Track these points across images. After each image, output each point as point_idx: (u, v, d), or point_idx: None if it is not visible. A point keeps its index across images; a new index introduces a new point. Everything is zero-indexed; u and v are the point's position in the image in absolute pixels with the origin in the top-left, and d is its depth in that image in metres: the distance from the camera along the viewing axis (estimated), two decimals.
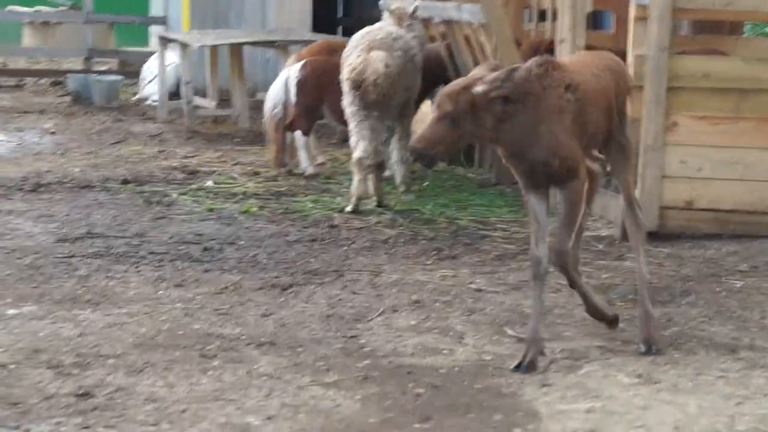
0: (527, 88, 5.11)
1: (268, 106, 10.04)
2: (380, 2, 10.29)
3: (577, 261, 5.75)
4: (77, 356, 5.35)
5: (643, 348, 5.50)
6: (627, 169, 5.69)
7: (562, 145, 5.17)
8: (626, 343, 5.71)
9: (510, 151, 5.27)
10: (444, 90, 5.29)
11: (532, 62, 5.25)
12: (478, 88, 5.04)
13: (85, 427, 4.55)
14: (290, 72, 9.85)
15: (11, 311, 6.05)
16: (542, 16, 10.20)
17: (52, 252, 7.28)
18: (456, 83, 5.25)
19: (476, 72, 5.31)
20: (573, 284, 5.64)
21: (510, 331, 5.86)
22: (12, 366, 5.21)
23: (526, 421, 4.74)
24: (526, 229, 8.09)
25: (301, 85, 9.64)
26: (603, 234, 8.06)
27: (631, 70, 7.81)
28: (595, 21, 11.53)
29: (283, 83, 9.89)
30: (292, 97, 9.70)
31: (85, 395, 4.87)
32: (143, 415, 4.69)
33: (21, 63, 19.21)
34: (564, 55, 8.62)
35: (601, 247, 7.73)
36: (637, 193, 7.82)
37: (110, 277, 6.75)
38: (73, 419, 4.62)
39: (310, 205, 8.79)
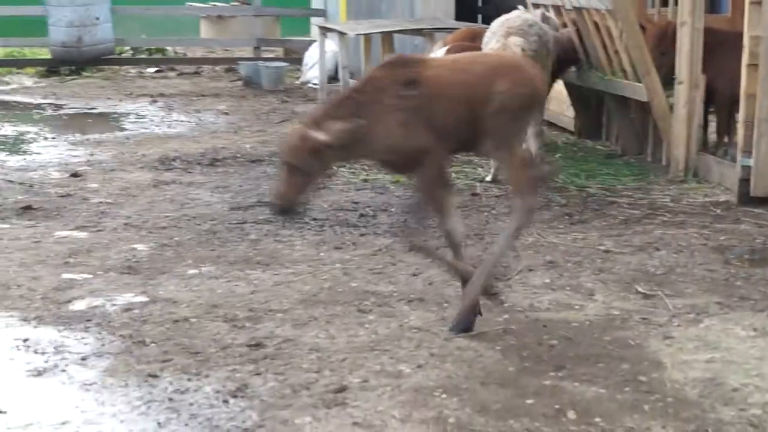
0: (362, 101, 4.86)
1: None
2: None
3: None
4: (249, 311, 5.44)
5: (450, 325, 5.12)
6: (511, 164, 5.11)
7: (400, 138, 4.87)
8: (743, 299, 5.60)
9: (367, 155, 5.07)
10: (285, 143, 4.95)
11: (385, 67, 5.05)
12: (321, 137, 4.73)
13: (257, 374, 4.62)
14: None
15: (192, 271, 6.16)
16: (664, 1, 9.96)
17: (227, 219, 7.38)
18: (294, 133, 4.91)
19: (315, 111, 5.02)
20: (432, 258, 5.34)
21: (639, 288, 5.78)
22: (193, 319, 5.32)
23: (651, 370, 4.67)
24: (649, 196, 7.99)
25: None
26: (720, 200, 7.87)
27: (746, 51, 7.64)
28: (712, 4, 11.25)
29: None
30: None
31: (257, 345, 4.95)
32: (307, 363, 4.75)
33: (199, 53, 19.54)
34: (684, 38, 8.45)
35: (718, 211, 7.55)
36: (752, 161, 7.67)
37: (278, 240, 6.83)
38: (246, 366, 4.70)
39: (454, 176, 8.74)
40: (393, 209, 7.65)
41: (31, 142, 10.68)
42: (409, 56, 5.25)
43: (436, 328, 5.17)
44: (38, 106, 13.54)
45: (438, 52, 9.85)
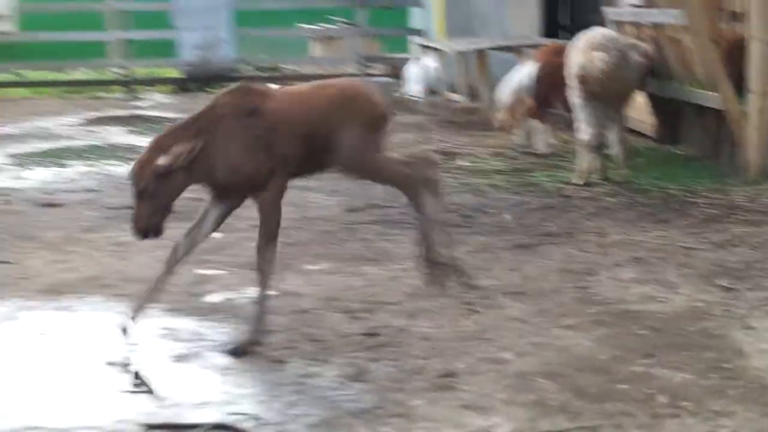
0: (205, 128, 4.62)
1: (505, 97, 10.02)
2: (603, 8, 10.12)
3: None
4: (364, 303, 5.46)
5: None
6: (384, 178, 5.13)
7: (241, 163, 4.64)
8: None
9: (208, 182, 4.75)
10: (132, 169, 4.62)
11: (227, 94, 4.78)
12: (162, 162, 4.50)
13: (374, 360, 4.64)
14: (526, 71, 9.77)
15: (311, 267, 6.22)
16: (734, 17, 9.77)
17: (341, 220, 7.43)
18: (138, 160, 4.62)
19: (160, 136, 4.69)
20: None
21: (720, 282, 5.69)
22: (314, 311, 5.36)
23: (733, 358, 4.59)
24: (726, 197, 7.84)
25: (538, 81, 9.55)
26: None
27: None
28: None
29: (520, 79, 9.83)
30: (530, 91, 9.62)
31: (372, 334, 4.97)
32: (418, 350, 4.76)
33: (310, 69, 19.68)
34: (753, 51, 8.28)
35: None
36: None
37: (387, 239, 6.84)
38: (364, 353, 4.73)
39: (545, 179, 8.68)
40: (491, 210, 7.63)
41: None
42: (254, 86, 4.96)
43: (534, 318, 5.15)
44: (171, 119, 13.80)
45: (528, 68, 9.81)
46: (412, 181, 5.11)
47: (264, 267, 4.81)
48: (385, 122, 5.03)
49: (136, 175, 4.59)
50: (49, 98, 16.78)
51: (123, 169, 9.61)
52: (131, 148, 11.11)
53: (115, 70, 18.34)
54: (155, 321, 5.16)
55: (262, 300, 4.83)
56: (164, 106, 15.34)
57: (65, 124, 13.33)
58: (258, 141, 4.69)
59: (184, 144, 4.56)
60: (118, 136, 12.20)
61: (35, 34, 18.00)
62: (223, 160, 4.66)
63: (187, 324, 5.17)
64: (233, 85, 4.90)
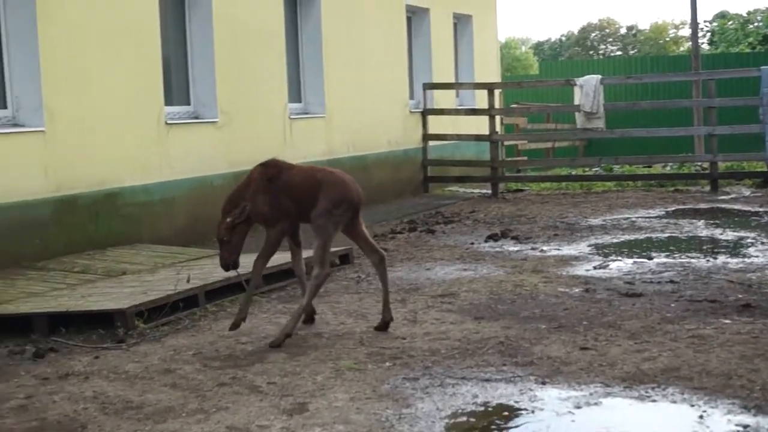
0: (244, 188, 7.18)
1: None
2: None
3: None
4: None
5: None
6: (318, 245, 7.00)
7: (260, 210, 7.05)
8: None
9: (255, 222, 7.15)
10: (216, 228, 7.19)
11: (259, 166, 7.23)
12: (228, 220, 7.02)
13: None
14: None
15: None
16: None
17: None
18: (218, 223, 7.15)
19: (225, 203, 7.21)
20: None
21: None
22: None
23: None
24: None
25: None
26: None
27: None
28: None
29: None
30: None
31: None
32: None
33: None
34: None
35: None
36: None
37: None
38: None
39: None
40: None
41: (749, 246, 10.72)
42: (279, 162, 7.25)
43: None
44: (755, 213, 13.56)
45: None
46: (326, 260, 6.98)
47: (255, 275, 7.22)
48: (350, 205, 7.02)
49: (218, 232, 7.07)
50: (632, 191, 17.31)
51: (704, 262, 9.64)
52: (712, 241, 11.12)
53: (699, 164, 18.48)
54: (731, 417, 5.10)
55: (247, 297, 7.25)
56: (747, 200, 15.13)
57: (647, 216, 13.68)
58: (275, 197, 7.02)
59: (237, 208, 6.98)
60: (700, 229, 12.26)
61: (628, 132, 18.72)
62: (253, 207, 7.00)
63: (765, 422, 5.04)
64: (265, 162, 7.21)
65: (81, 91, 10.37)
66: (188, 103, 12.72)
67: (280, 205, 7.05)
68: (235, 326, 7.13)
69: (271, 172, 7.13)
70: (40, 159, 9.81)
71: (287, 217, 7.11)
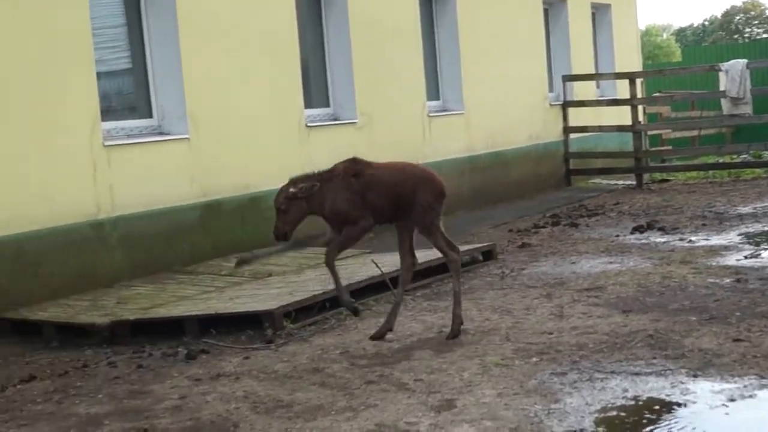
0: (324, 178, 6.93)
1: None
2: None
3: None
4: None
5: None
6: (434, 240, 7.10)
7: (338, 207, 6.91)
8: None
9: (320, 213, 6.97)
10: (276, 194, 6.98)
11: (343, 162, 7.08)
12: (292, 190, 6.87)
13: None
14: None
15: None
16: None
17: None
18: (280, 188, 6.98)
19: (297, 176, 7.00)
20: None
21: None
22: None
23: None
24: None
25: None
26: None
27: None
28: None
29: None
30: None
31: None
32: None
33: None
34: None
35: None
36: None
37: None
38: None
39: None
40: None
41: None
42: (361, 160, 7.10)
43: None
44: None
45: None
46: (451, 244, 7.08)
47: (329, 268, 7.00)
48: (441, 199, 7.06)
49: (276, 198, 6.94)
50: None
51: None
52: None
53: None
54: None
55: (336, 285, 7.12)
56: None
57: None
58: (358, 194, 6.90)
59: (307, 183, 6.88)
60: None
61: None
62: (330, 203, 6.90)
63: None
64: (349, 158, 7.11)
65: (222, 98, 10.62)
66: (327, 105, 12.88)
67: (363, 202, 6.92)
68: (379, 336, 7.04)
69: (356, 168, 7.00)
70: (185, 166, 10.09)
71: (371, 215, 6.96)
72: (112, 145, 9.30)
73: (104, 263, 9.08)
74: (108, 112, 9.75)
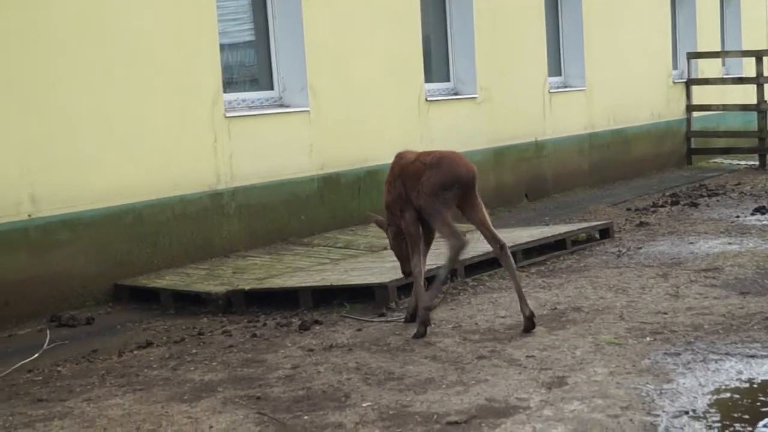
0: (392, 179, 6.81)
1: None
2: None
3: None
4: None
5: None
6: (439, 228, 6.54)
7: (385, 200, 6.84)
8: None
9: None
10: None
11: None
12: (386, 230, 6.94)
13: None
14: None
15: None
16: None
17: None
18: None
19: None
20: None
21: None
22: None
23: None
24: None
25: None
26: None
27: None
28: None
29: None
30: None
31: None
32: None
33: None
34: None
35: None
36: None
37: None
38: None
39: None
40: None
41: None
42: (404, 152, 6.87)
43: None
44: None
45: None
46: (456, 233, 6.39)
47: (415, 270, 6.71)
48: (461, 182, 6.45)
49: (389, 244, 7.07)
50: None
51: None
52: None
53: None
54: None
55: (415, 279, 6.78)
56: None
57: None
58: (394, 183, 6.71)
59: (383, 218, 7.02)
60: None
61: None
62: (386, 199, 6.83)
63: None
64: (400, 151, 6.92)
65: (343, 71, 10.67)
66: (448, 80, 12.83)
67: (399, 194, 6.67)
68: (419, 335, 6.51)
69: (395, 161, 6.82)
70: (304, 138, 10.18)
71: (407, 205, 6.62)
72: (233, 117, 9.43)
73: (222, 233, 9.24)
74: (230, 84, 9.89)
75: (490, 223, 6.60)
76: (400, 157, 6.83)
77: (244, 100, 9.97)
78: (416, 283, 6.75)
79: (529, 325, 6.49)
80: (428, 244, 6.89)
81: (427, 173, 6.46)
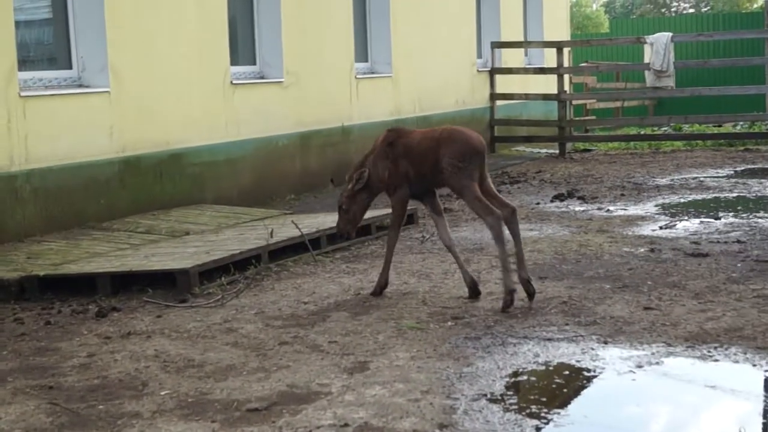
0: (369, 154, 6.98)
1: None
2: None
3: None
4: None
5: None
6: (469, 201, 6.67)
7: (380, 176, 6.88)
8: None
9: (378, 190, 7.00)
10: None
11: (383, 132, 7.01)
12: (349, 187, 6.95)
13: None
14: None
15: None
16: None
17: None
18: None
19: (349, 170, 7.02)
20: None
21: None
22: None
23: None
24: None
25: None
26: None
27: None
28: None
29: None
30: None
31: None
32: None
33: None
34: None
35: None
36: None
37: None
38: None
39: None
40: None
41: None
42: (399, 128, 7.10)
43: None
44: None
45: None
46: (488, 208, 6.53)
47: (388, 248, 7.01)
48: (476, 156, 6.60)
49: (339, 199, 7.05)
50: (701, 150, 17.04)
51: None
52: None
53: None
54: None
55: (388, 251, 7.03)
56: None
57: (716, 176, 13.44)
58: (395, 161, 6.79)
59: (357, 173, 6.90)
60: None
61: (698, 90, 18.21)
62: (374, 172, 6.88)
63: None
64: (389, 129, 7.03)
65: (146, 52, 10.40)
66: (254, 63, 12.71)
67: (398, 170, 6.79)
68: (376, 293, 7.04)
69: (392, 137, 6.89)
70: (105, 119, 9.87)
71: (406, 182, 6.83)
72: (28, 96, 9.05)
73: (15, 217, 8.85)
74: (26, 63, 9.49)
75: (496, 191, 6.90)
76: (398, 135, 6.91)
77: (40, 80, 9.58)
78: (387, 256, 7.00)
79: (531, 289, 6.62)
80: (439, 213, 7.03)
81: (443, 149, 6.59)
